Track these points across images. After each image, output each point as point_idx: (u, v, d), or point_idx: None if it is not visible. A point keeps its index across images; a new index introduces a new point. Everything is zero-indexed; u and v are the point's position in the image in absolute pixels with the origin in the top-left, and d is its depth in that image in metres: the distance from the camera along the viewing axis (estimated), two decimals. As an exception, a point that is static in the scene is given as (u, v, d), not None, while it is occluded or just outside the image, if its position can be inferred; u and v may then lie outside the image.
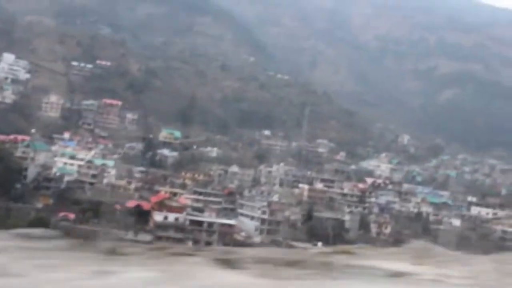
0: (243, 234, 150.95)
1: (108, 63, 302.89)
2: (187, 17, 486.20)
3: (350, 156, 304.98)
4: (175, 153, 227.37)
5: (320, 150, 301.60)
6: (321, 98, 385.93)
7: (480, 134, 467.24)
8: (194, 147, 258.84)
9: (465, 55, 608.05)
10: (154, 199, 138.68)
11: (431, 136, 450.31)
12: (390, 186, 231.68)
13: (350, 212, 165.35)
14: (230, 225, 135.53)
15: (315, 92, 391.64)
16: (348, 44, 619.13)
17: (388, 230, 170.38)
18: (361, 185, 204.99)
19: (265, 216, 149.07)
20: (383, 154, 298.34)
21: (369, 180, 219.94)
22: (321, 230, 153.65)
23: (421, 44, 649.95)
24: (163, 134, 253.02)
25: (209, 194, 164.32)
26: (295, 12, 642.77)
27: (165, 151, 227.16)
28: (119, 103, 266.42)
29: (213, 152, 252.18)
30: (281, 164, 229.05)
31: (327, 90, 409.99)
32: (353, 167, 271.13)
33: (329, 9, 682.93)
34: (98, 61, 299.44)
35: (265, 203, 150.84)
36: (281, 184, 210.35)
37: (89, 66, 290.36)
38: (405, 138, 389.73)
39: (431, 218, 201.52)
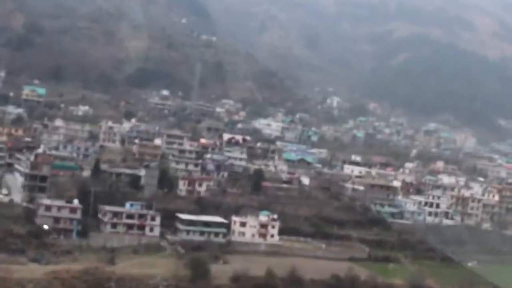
0: (3, 191, 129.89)
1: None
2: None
3: (252, 116, 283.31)
4: (20, 110, 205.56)
5: (219, 109, 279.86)
6: (242, 59, 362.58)
7: (428, 98, 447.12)
8: (62, 105, 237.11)
9: (424, 19, 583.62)
10: None
11: (373, 99, 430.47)
12: (259, 144, 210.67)
13: (147, 167, 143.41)
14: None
15: (236, 52, 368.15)
16: (304, 8, 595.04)
17: (203, 188, 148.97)
18: (203, 141, 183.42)
19: (27, 171, 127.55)
20: (279, 114, 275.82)
21: (226, 137, 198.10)
22: (99, 186, 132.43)
23: (380, 8, 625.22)
24: (26, 92, 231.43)
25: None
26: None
27: (10, 108, 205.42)
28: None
29: (79, 110, 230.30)
30: (133, 120, 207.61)
31: (251, 51, 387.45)
32: (239, 126, 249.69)
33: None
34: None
35: (32, 157, 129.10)
36: (122, 141, 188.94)
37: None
38: (334, 101, 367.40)
39: (285, 176, 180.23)
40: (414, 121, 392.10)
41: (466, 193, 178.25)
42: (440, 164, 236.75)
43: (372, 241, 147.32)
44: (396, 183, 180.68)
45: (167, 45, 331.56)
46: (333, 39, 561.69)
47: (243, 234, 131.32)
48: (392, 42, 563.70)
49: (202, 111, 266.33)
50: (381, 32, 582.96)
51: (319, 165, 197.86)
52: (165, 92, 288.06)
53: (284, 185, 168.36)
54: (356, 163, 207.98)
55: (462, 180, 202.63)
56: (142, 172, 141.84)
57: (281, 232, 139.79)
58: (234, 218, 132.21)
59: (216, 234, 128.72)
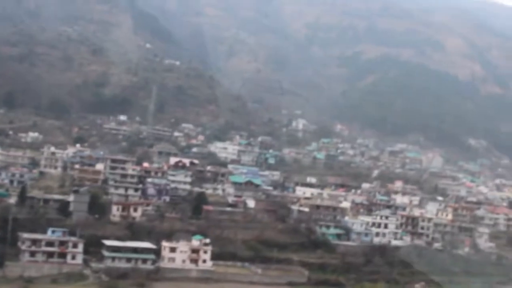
0: None
1: None
2: (83, 5, 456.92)
3: (211, 139, 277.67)
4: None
5: (176, 134, 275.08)
6: (205, 83, 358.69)
7: (398, 118, 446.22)
8: (10, 132, 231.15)
9: (394, 41, 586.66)
10: None
11: (342, 121, 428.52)
12: (209, 167, 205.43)
13: (76, 192, 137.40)
14: None
15: (199, 76, 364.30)
16: (274, 32, 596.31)
17: (138, 213, 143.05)
18: (146, 165, 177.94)
19: None
20: (237, 137, 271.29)
21: (173, 160, 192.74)
22: (24, 213, 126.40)
23: (350, 31, 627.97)
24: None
25: None
26: (220, 2, 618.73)
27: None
28: None
29: (28, 137, 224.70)
30: (77, 145, 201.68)
31: (215, 76, 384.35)
32: (194, 150, 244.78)
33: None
34: None
35: None
36: (64, 167, 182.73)
37: None
38: (300, 123, 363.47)
39: (232, 199, 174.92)
40: (383, 142, 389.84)
41: (417, 212, 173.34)
42: (398, 184, 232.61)
43: (313, 264, 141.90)
44: (346, 204, 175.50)
45: (126, 69, 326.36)
46: (303, 63, 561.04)
47: (173, 260, 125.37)
48: (361, 64, 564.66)
49: (157, 136, 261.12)
50: (351, 54, 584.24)
51: (270, 188, 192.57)
52: (122, 117, 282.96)
53: (228, 209, 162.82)
54: (310, 185, 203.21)
55: (416, 199, 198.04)
56: (71, 198, 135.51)
57: (218, 257, 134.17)
58: (163, 243, 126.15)
59: (144, 261, 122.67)
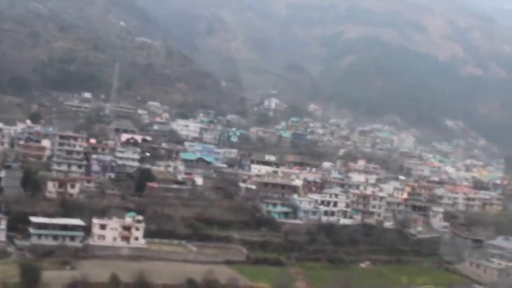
0: None
1: None
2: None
3: (177, 117, 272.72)
4: None
5: (140, 111, 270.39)
6: (176, 61, 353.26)
7: (375, 99, 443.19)
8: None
9: (376, 21, 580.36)
10: None
11: (320, 101, 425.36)
12: (164, 144, 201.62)
13: (7, 168, 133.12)
14: None
15: (170, 54, 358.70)
16: (254, 11, 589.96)
17: (76, 189, 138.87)
18: (93, 141, 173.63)
19: None
20: (200, 115, 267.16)
21: (124, 137, 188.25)
22: None
23: (331, 11, 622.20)
24: None
25: None
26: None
27: None
28: None
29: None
30: (28, 121, 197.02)
31: (190, 54, 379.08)
32: (155, 127, 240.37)
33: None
34: None
35: None
36: (12, 143, 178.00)
37: None
38: (272, 102, 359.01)
39: (182, 176, 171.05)
40: (359, 122, 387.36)
41: (368, 191, 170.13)
42: (361, 163, 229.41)
43: (255, 243, 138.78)
44: (298, 182, 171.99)
45: (94, 46, 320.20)
46: (284, 42, 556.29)
47: (103, 237, 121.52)
48: (341, 44, 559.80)
49: (120, 113, 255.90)
50: (332, 34, 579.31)
51: (224, 165, 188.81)
52: (86, 95, 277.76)
53: (174, 186, 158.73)
54: (266, 163, 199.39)
55: (373, 178, 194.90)
56: (2, 173, 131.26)
57: (154, 234, 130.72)
58: (93, 220, 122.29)
59: (73, 238, 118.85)
